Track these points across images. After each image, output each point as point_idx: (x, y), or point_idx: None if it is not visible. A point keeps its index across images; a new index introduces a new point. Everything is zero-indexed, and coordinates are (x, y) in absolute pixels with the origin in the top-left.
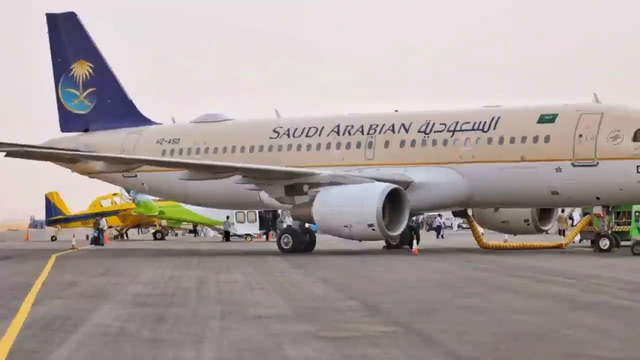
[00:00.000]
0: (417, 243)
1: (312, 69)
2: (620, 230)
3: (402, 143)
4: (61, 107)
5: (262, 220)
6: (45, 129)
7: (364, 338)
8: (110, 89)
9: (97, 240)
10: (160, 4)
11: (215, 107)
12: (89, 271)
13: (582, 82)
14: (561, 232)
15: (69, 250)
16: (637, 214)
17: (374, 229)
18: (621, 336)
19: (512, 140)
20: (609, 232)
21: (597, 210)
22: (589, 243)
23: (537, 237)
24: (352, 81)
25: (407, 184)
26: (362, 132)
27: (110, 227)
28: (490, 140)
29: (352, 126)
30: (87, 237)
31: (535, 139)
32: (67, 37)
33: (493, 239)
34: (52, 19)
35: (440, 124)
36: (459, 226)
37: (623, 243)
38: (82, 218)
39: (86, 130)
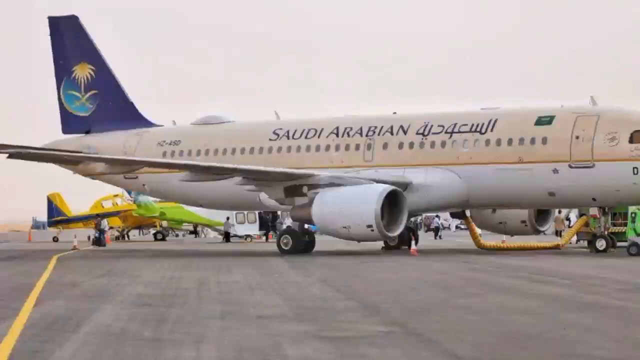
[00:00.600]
0: (416, 244)
1: (312, 72)
2: (616, 231)
3: (401, 145)
4: (63, 109)
5: (262, 221)
6: (47, 130)
7: (363, 338)
8: (112, 91)
9: (98, 241)
10: (161, 8)
11: (216, 109)
12: (90, 272)
13: (579, 85)
14: (558, 233)
15: (70, 251)
16: (633, 215)
17: (372, 230)
18: (617, 336)
19: (510, 142)
20: (606, 233)
21: (594, 211)
22: (585, 244)
23: (534, 238)
24: (351, 84)
25: (405, 186)
26: (361, 134)
27: (111, 228)
28: (487, 142)
29: (351, 128)
30: (89, 238)
31: (533, 141)
32: (69, 40)
33: (491, 239)
34: (54, 22)
35: (438, 125)
36: (456, 227)
37: (619, 244)
38: (83, 219)
39: (88, 132)
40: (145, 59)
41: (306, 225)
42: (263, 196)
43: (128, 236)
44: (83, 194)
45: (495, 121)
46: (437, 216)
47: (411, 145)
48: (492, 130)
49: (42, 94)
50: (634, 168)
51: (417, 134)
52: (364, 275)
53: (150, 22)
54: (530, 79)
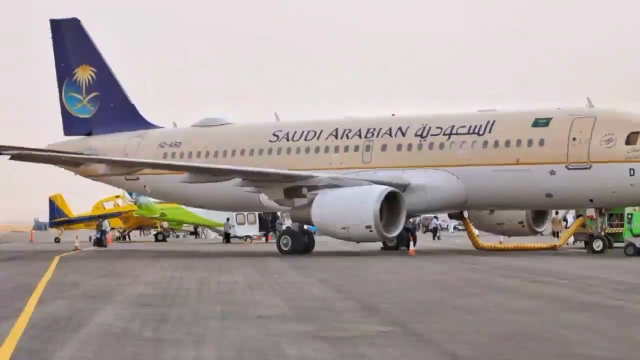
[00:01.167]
0: (414, 244)
1: (311, 74)
2: (613, 232)
3: (399, 146)
4: (64, 111)
5: (262, 222)
6: (48, 132)
7: (362, 338)
8: (113, 93)
9: (99, 242)
10: (162, 10)
11: (216, 111)
12: (91, 272)
13: (575, 87)
14: (555, 234)
15: (72, 251)
16: (629, 216)
17: (371, 231)
18: (614, 336)
19: (507, 143)
20: (602, 233)
21: (591, 212)
22: (582, 244)
23: (532, 238)
24: (350, 86)
25: (404, 187)
26: (360, 136)
27: (112, 228)
28: (485, 143)
29: (350, 130)
30: (90, 238)
31: (530, 143)
32: (71, 42)
33: (488, 240)
34: (55, 24)
35: (437, 127)
36: (455, 228)
37: (616, 244)
38: (85, 220)
39: (89, 134)
40: (146, 61)
41: (305, 226)
42: (263, 197)
43: (129, 237)
44: (84, 195)
45: (493, 123)
46: (435, 217)
47: (410, 146)
48: (489, 132)
49: (44, 96)
50: (630, 169)
51: (416, 135)
52: (363, 275)
53: (151, 25)
54: (528, 81)
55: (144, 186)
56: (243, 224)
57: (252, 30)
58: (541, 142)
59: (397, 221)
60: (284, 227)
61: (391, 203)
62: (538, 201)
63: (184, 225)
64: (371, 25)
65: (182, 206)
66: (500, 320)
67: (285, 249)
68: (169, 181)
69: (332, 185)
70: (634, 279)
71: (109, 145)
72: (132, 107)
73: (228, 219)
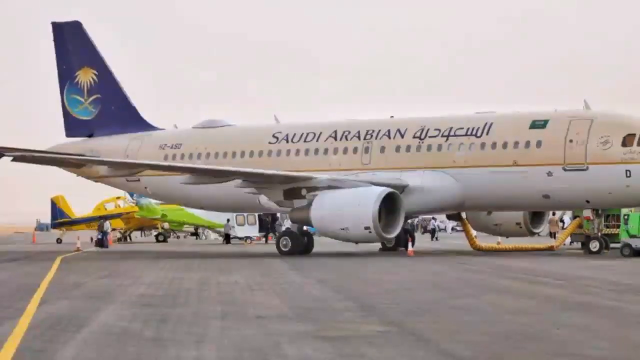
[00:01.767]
0: (412, 245)
1: (310, 77)
2: (609, 232)
3: (398, 148)
4: (66, 113)
5: (262, 223)
6: (50, 134)
7: (361, 338)
8: (114, 96)
9: (101, 243)
10: (163, 14)
11: (216, 113)
12: (93, 273)
13: (572, 89)
14: (552, 235)
15: (74, 252)
16: (625, 217)
17: (370, 232)
18: (610, 336)
19: (505, 145)
20: (599, 234)
21: (587, 213)
22: (579, 245)
23: (529, 239)
24: (349, 88)
25: (402, 188)
26: (359, 138)
27: (114, 229)
28: (483, 145)
29: (349, 132)
30: (92, 239)
31: (527, 144)
32: (72, 45)
33: (486, 241)
34: (57, 28)
35: (435, 129)
36: (452, 229)
37: (612, 245)
38: (86, 221)
39: (91, 136)
40: (147, 64)
41: (305, 227)
42: (263, 198)
43: (130, 238)
44: (86, 197)
45: (491, 125)
46: (433, 218)
47: (408, 148)
48: (487, 134)
49: (46, 98)
50: (626, 171)
51: (414, 137)
52: (362, 276)
53: (152, 28)
54: (525, 84)
55: (145, 187)
56: (243, 225)
57: (253, 34)
58: (538, 144)
59: (396, 222)
60: (283, 228)
61: (390, 204)
62: (535, 202)
63: (185, 226)
64: (370, 28)
65: (183, 207)
66: (497, 320)
67: (284, 249)
68: (170, 182)
69: (331, 186)
70: (630, 279)
71: (110, 147)
72: (133, 109)
73: (228, 220)
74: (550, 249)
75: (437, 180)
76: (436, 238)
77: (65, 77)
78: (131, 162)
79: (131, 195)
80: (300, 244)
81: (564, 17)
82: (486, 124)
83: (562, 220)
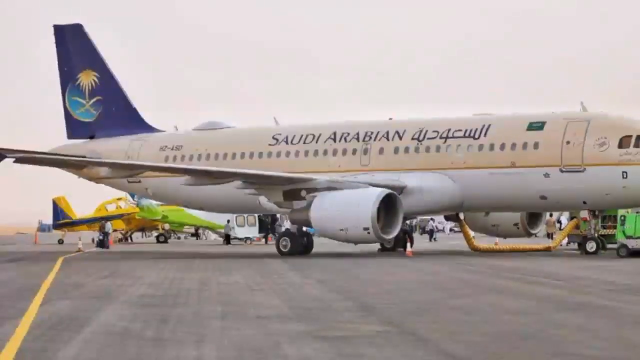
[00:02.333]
0: (411, 246)
1: (310, 79)
2: (606, 233)
3: (396, 150)
4: (68, 115)
5: (262, 224)
6: (52, 136)
7: (360, 337)
8: (115, 98)
9: (102, 243)
10: (164, 17)
11: (217, 115)
12: (94, 273)
13: (569, 91)
14: (549, 236)
15: (75, 252)
16: (622, 218)
17: (369, 233)
18: (607, 336)
19: (502, 147)
20: (596, 235)
21: (584, 214)
22: (576, 246)
23: (526, 240)
24: (348, 90)
25: (401, 189)
26: (358, 139)
27: (115, 230)
28: (481, 147)
29: (348, 133)
30: (93, 240)
31: (525, 146)
32: (74, 47)
33: (484, 242)
34: (59, 30)
35: (433, 131)
36: (451, 230)
37: (609, 246)
38: (88, 222)
39: (92, 138)
40: (148, 66)
41: (304, 228)
42: (262, 199)
43: (131, 238)
44: (87, 198)
45: (489, 127)
46: (431, 219)
47: (406, 150)
48: (485, 136)
49: (48, 100)
50: (623, 172)
51: (413, 139)
52: (361, 276)
53: (153, 31)
54: (522, 86)
55: (146, 189)
56: (243, 225)
57: (252, 36)
58: (536, 146)
59: (395, 223)
60: (283, 229)
61: (388, 205)
62: (532, 203)
63: (185, 227)
64: (369, 31)
65: (183, 208)
66: (495, 320)
67: (284, 250)
68: (171, 184)
69: (331, 187)
70: (627, 279)
71: (111, 148)
72: (134, 111)
73: (228, 221)
74: (548, 249)
75: (435, 181)
76: (434, 239)
77: (67, 79)
78: (132, 164)
79: (132, 197)
80: (299, 245)
81: (561, 19)
82: (484, 125)
83: (559, 221)
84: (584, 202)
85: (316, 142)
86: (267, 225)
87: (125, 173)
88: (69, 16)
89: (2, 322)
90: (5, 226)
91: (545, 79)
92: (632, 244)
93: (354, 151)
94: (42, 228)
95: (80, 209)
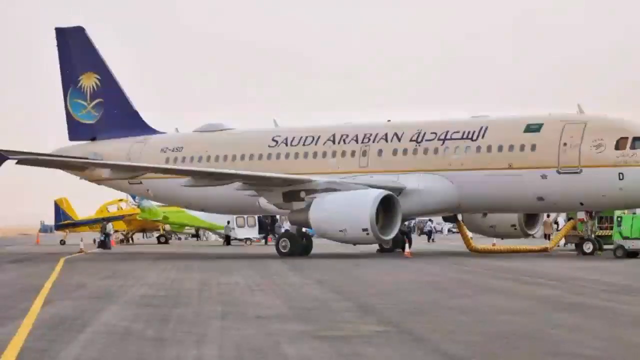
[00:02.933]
0: (409, 247)
1: (309, 82)
2: (602, 234)
3: (395, 151)
4: (70, 117)
5: (261, 225)
6: (54, 138)
7: (358, 337)
8: (117, 100)
9: (103, 244)
10: (165, 20)
11: (217, 117)
12: (96, 274)
13: (566, 94)
14: (546, 236)
15: (77, 253)
16: (619, 219)
17: (368, 233)
18: (603, 335)
19: (500, 148)
20: (592, 236)
21: (581, 215)
22: (573, 247)
23: (524, 241)
24: (347, 93)
25: (399, 191)
26: (357, 141)
27: (116, 231)
28: (478, 148)
29: (347, 135)
30: (95, 241)
31: (522, 148)
32: (76, 50)
33: (482, 242)
34: (61, 33)
35: (431, 133)
36: (449, 230)
37: (605, 247)
38: (89, 223)
39: (93, 139)
40: (148, 69)
41: (304, 229)
42: (262, 201)
43: (132, 239)
44: (89, 199)
45: (486, 129)
46: (430, 220)
47: (405, 151)
48: (482, 138)
49: (49, 102)
50: (619, 174)
51: (411, 141)
52: (359, 276)
53: (154, 33)
54: (520, 88)
55: (147, 190)
56: (243, 226)
57: (252, 39)
58: (533, 147)
59: (393, 224)
60: (282, 230)
61: (387, 206)
62: (530, 205)
63: (186, 228)
64: (368, 35)
65: (184, 209)
66: (492, 320)
67: (284, 251)
68: (171, 185)
69: (330, 189)
70: (623, 280)
71: (112, 150)
72: (135, 113)
73: (228, 222)
74: (545, 250)
75: (433, 182)
76: (432, 240)
77: (69, 81)
78: (133, 165)
79: (133, 198)
80: (299, 246)
81: (559, 21)
82: (482, 127)
83: (556, 222)
84: (581, 204)
85: (315, 144)
86: (266, 226)
87: (126, 174)
88: (71, 19)
89: (5, 322)
90: (8, 227)
91: (542, 81)
92: (629, 244)
93: (353, 153)
94: (44, 229)
95: (82, 210)
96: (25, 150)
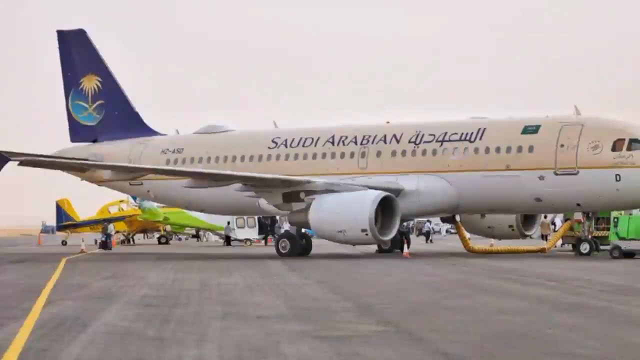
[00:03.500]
0: (408, 247)
1: (309, 83)
2: (599, 235)
3: (394, 153)
4: (71, 119)
5: (261, 226)
6: (55, 139)
7: (357, 337)
8: (118, 102)
9: (105, 245)
10: (165, 22)
11: (217, 119)
12: (97, 274)
13: (563, 96)
14: (544, 237)
15: (78, 254)
16: (615, 219)
17: (367, 234)
18: (599, 335)
19: (498, 150)
20: (589, 237)
21: (578, 216)
22: (570, 247)
23: (521, 241)
24: (346, 95)
25: (398, 192)
26: (356, 143)
27: (117, 232)
28: (476, 150)
29: (346, 137)
30: (96, 241)
31: (519, 149)
32: (77, 52)
33: (479, 243)
34: (62, 35)
35: (430, 134)
36: (447, 231)
37: (602, 247)
38: (90, 224)
39: (95, 141)
40: (149, 71)
41: (303, 230)
42: (262, 202)
43: (133, 240)
44: (90, 200)
45: (484, 130)
46: (428, 221)
47: (404, 153)
48: (480, 139)
49: (51, 104)
50: (616, 175)
51: (410, 142)
52: (358, 277)
53: (155, 36)
54: (517, 90)
55: (148, 191)
56: (243, 227)
57: (252, 42)
58: (530, 149)
59: (392, 225)
60: (282, 231)
61: (386, 207)
62: (527, 205)
63: (186, 228)
64: (367, 37)
65: (185, 210)
66: (490, 320)
67: (283, 251)
68: (172, 186)
69: (329, 190)
70: (619, 280)
71: (113, 151)
72: (136, 115)
73: (229, 223)
74: (542, 251)
75: (432, 184)
76: (431, 240)
77: (70, 83)
78: (134, 167)
79: (134, 199)
80: (298, 246)
81: (557, 23)
82: (479, 129)
83: (553, 223)
84: (578, 205)
85: (315, 146)
86: (266, 227)
87: (127, 176)
88: (72, 22)
89: (7, 322)
90: (10, 228)
91: (540, 83)
92: (625, 245)
93: (352, 154)
94: (45, 230)
95: (83, 211)
96: (27, 151)
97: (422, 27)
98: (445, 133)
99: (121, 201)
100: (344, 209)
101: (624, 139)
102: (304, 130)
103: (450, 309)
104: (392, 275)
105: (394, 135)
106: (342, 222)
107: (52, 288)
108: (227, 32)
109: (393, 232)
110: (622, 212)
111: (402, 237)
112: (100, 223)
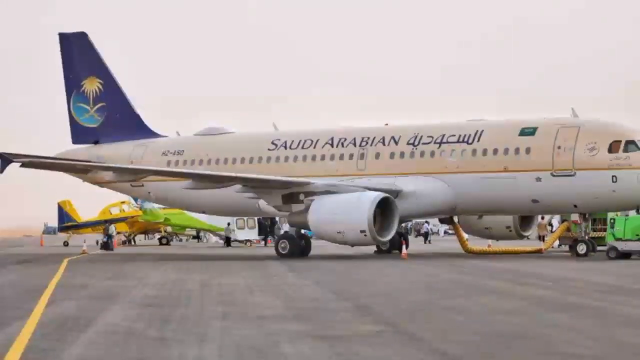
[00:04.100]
0: (406, 248)
1: (308, 85)
2: (596, 236)
3: (392, 154)
4: (73, 121)
5: (261, 227)
6: (57, 141)
7: (356, 337)
8: (119, 104)
9: (106, 246)
10: (165, 24)
11: (218, 121)
12: (99, 274)
13: (560, 98)
14: (541, 238)
15: (80, 254)
16: (612, 220)
17: (365, 235)
18: (596, 335)
19: (495, 151)
20: (586, 237)
21: (575, 217)
22: (567, 248)
23: (519, 242)
24: (346, 97)
25: (396, 193)
26: (355, 145)
27: (118, 233)
28: (474, 151)
29: (345, 139)
30: (97, 242)
31: (517, 151)
32: (78, 55)
33: (477, 244)
34: (64, 38)
35: (428, 136)
36: (445, 232)
37: (599, 248)
38: (92, 225)
39: (96, 143)
40: (150, 73)
41: (303, 231)
42: (262, 203)
43: (134, 241)
44: (92, 201)
45: (482, 132)
46: (426, 222)
47: (402, 154)
48: (478, 141)
49: (53, 106)
50: (612, 176)
51: (408, 144)
52: (357, 277)
53: (156, 39)
54: (515, 92)
55: (149, 192)
56: (243, 228)
57: (252, 43)
58: (527, 151)
59: (390, 226)
60: (282, 232)
61: (384, 208)
62: (525, 207)
63: (187, 229)
64: (366, 39)
65: (185, 211)
66: (488, 320)
67: (283, 252)
68: (173, 188)
69: (328, 191)
70: (616, 281)
71: (115, 153)
72: (137, 117)
73: (229, 224)
74: (539, 251)
75: (430, 185)
76: (429, 241)
77: (72, 86)
78: (135, 168)
79: (135, 200)
80: (298, 247)
81: (554, 26)
82: (477, 131)
83: (550, 224)
84: (575, 206)
85: (314, 147)
86: (266, 228)
87: (128, 177)
88: (74, 25)
89: (9, 322)
90: (12, 229)
91: (537, 85)
92: (621, 246)
93: (351, 156)
94: (47, 231)
95: (85, 212)
96: (29, 153)
97: (421, 28)
98: (443, 135)
99: (122, 202)
100: (342, 210)
101: (620, 141)
102: (303, 132)
103: (449, 309)
104: (390, 276)
105: (393, 137)
106: (341, 223)
107: (54, 288)
108: (227, 34)
109: (391, 233)
110: (619, 213)
111: (401, 238)
112: (102, 224)
